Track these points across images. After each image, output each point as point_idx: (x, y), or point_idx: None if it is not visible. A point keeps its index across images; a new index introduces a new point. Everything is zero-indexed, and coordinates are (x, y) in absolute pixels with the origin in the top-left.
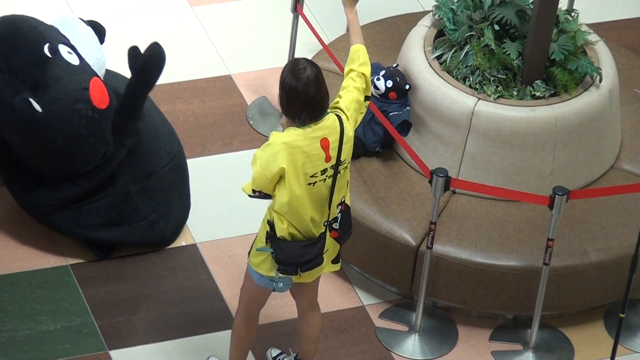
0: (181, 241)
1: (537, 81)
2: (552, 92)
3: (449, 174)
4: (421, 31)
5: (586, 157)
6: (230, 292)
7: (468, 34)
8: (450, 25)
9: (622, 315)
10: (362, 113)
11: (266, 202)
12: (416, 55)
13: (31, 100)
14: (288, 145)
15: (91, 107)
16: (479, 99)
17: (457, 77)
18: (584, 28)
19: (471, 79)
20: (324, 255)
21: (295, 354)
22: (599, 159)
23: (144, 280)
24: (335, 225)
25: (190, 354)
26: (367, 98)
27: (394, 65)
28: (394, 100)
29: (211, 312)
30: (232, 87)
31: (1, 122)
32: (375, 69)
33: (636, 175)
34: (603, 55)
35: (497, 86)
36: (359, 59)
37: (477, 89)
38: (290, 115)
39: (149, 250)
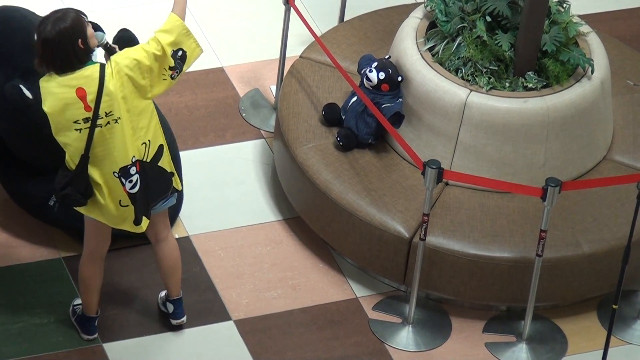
0: (174, 233)
1: (529, 73)
2: (544, 83)
3: (441, 166)
4: (413, 23)
5: (578, 148)
6: (224, 284)
7: (460, 26)
8: (442, 16)
9: (615, 307)
10: (164, 80)
11: (259, 189)
12: (408, 47)
13: (22, 86)
14: (45, 90)
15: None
16: (471, 90)
17: (450, 69)
18: (576, 19)
19: (463, 71)
20: (120, 206)
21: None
22: (592, 150)
23: (138, 273)
24: (122, 181)
25: (184, 346)
26: (170, 68)
27: (386, 57)
28: (387, 92)
29: (204, 304)
30: (224, 79)
31: None
32: (368, 61)
33: (628, 166)
34: (595, 46)
35: (490, 78)
36: (163, 25)
37: (470, 80)
38: (43, 61)
39: (143, 242)
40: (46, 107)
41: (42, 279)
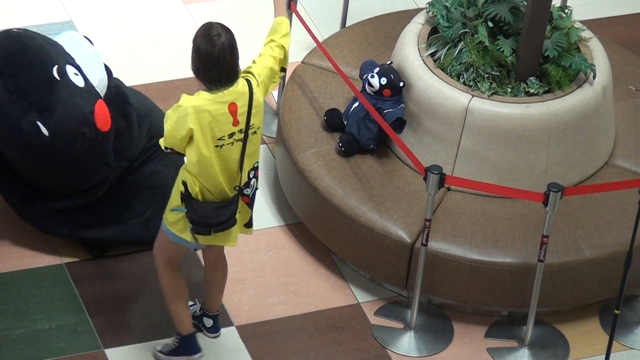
0: None
1: (531, 78)
2: (546, 89)
3: (443, 171)
4: (415, 28)
5: (580, 153)
6: (226, 290)
7: (462, 31)
8: (444, 22)
9: (617, 312)
10: (274, 82)
11: (260, 195)
12: (410, 53)
13: (38, 123)
14: (196, 109)
15: (95, 130)
16: (473, 96)
17: (451, 74)
18: (578, 25)
19: (465, 76)
20: (236, 217)
21: (201, 303)
22: (593, 156)
23: (140, 278)
24: (247, 192)
25: None
26: (283, 69)
27: (388, 62)
28: (388, 98)
29: None
30: None
31: (5, 141)
32: (370, 66)
33: (630, 171)
34: (597, 51)
35: (491, 83)
36: (281, 31)
37: (471, 86)
38: (206, 81)
39: (145, 248)
40: (193, 125)
41: (43, 285)
